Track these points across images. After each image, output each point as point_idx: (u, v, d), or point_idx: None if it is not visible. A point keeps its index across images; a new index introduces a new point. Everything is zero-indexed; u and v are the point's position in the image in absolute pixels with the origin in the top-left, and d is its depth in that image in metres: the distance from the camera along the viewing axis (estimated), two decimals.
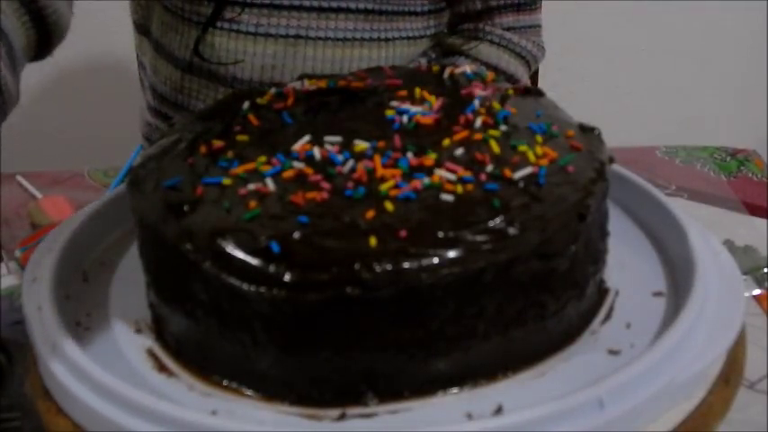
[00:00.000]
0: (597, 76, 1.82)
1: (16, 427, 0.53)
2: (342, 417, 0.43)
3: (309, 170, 0.48)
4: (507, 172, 0.47)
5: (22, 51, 0.63)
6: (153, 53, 0.99)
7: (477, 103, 0.55)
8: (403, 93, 0.57)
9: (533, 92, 0.59)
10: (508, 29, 0.98)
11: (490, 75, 0.62)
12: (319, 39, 0.90)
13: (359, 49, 0.91)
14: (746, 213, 0.79)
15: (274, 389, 0.45)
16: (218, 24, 0.89)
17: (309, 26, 0.89)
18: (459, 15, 1.00)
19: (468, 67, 0.62)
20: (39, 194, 0.84)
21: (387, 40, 0.93)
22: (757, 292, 0.66)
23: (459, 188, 0.46)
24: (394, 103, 0.56)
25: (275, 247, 0.42)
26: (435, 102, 0.56)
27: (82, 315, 0.52)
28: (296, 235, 0.43)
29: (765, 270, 0.69)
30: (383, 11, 0.91)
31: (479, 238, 0.43)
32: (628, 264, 0.55)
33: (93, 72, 1.63)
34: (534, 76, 1.23)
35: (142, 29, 1.01)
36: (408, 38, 0.95)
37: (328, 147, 0.50)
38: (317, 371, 0.44)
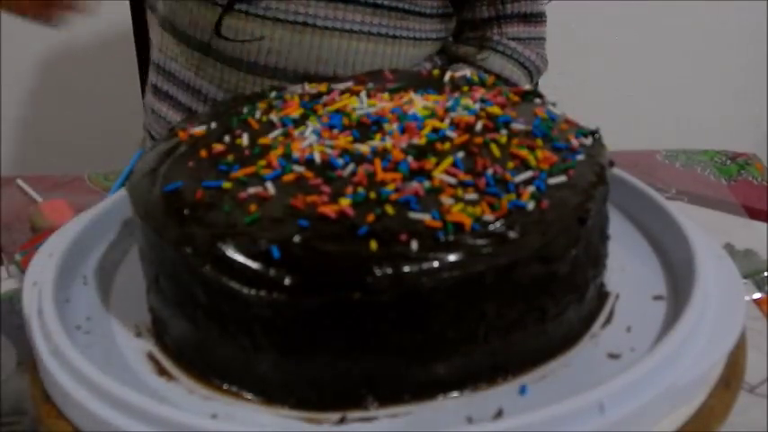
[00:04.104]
0: (597, 79, 1.82)
1: (18, 430, 0.53)
2: (342, 420, 0.43)
3: (309, 174, 0.48)
4: (507, 176, 0.47)
5: None
6: (158, 29, 0.99)
7: (477, 106, 0.55)
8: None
9: (534, 95, 0.59)
10: (514, 39, 0.99)
11: (490, 78, 0.62)
12: (326, 28, 0.90)
13: (365, 43, 0.92)
14: (747, 217, 0.79)
15: (274, 392, 0.45)
16: (234, 6, 0.90)
17: (317, 14, 0.89)
18: (467, 22, 1.00)
19: (468, 71, 0.62)
20: (39, 198, 0.84)
21: (393, 37, 0.93)
22: (757, 295, 0.66)
23: (460, 192, 0.46)
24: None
25: (275, 251, 0.42)
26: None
27: (82, 319, 0.52)
28: (296, 239, 0.43)
29: (765, 274, 0.69)
30: (392, 7, 0.91)
31: (480, 241, 0.43)
32: (628, 267, 0.55)
33: (94, 76, 1.63)
34: None
35: (150, 2, 1.02)
36: (415, 38, 0.95)
37: (328, 150, 0.50)
38: (318, 374, 0.44)
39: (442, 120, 0.53)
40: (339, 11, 0.90)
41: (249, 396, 0.45)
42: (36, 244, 0.72)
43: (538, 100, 0.59)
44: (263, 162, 0.50)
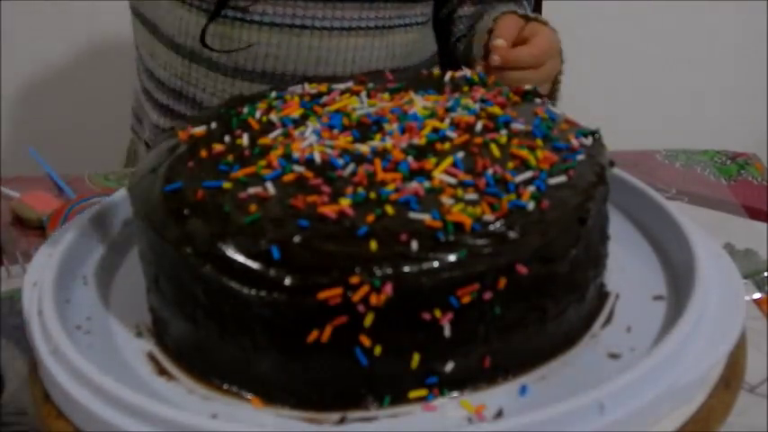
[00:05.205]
0: (597, 79, 1.82)
1: (19, 431, 0.53)
2: (342, 420, 0.43)
3: (310, 174, 0.48)
4: (508, 176, 0.47)
5: None
6: (149, 36, 0.98)
7: (477, 106, 0.55)
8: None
9: (533, 95, 0.59)
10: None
11: (491, 78, 0.62)
12: (324, 28, 0.90)
13: (362, 39, 0.92)
14: (747, 217, 0.79)
15: (274, 392, 0.45)
16: (224, 12, 0.89)
17: (315, 15, 0.89)
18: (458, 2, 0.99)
19: (468, 71, 0.62)
20: (16, 194, 0.81)
21: (388, 27, 0.93)
22: (757, 295, 0.66)
23: (460, 192, 0.46)
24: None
25: (275, 251, 0.42)
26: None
27: (82, 319, 0.52)
28: (296, 239, 0.43)
29: (765, 274, 0.69)
30: None
31: (480, 241, 0.43)
32: (628, 267, 0.55)
33: (94, 76, 1.63)
34: None
35: (136, 10, 1.01)
36: (406, 25, 0.95)
37: (328, 150, 0.50)
38: (318, 374, 0.44)
39: (442, 120, 0.53)
40: (337, 10, 0.90)
41: (249, 396, 0.45)
42: (61, 216, 0.74)
43: (538, 100, 0.59)
44: (263, 162, 0.50)
